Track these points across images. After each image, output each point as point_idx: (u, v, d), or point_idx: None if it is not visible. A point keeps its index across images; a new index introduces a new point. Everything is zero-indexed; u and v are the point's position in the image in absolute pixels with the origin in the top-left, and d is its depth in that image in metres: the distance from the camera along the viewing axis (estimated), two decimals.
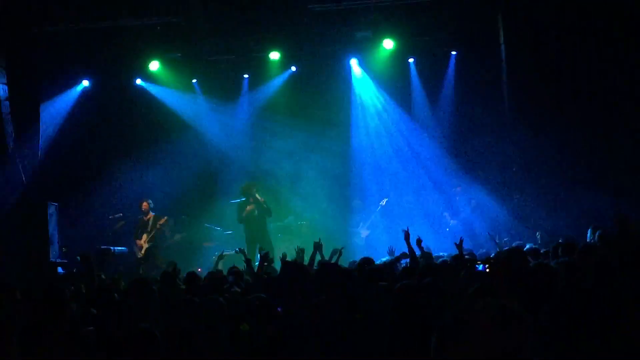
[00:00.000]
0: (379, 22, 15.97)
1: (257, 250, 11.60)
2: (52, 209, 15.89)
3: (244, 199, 15.41)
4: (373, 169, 17.05)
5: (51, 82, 16.27)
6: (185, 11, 15.50)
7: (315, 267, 7.21)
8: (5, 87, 15.35)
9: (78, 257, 7.23)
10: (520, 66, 15.40)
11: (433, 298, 4.84)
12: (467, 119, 16.25)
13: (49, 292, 4.16)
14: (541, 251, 9.36)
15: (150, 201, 15.97)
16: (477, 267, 7.04)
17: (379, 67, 16.82)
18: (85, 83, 16.84)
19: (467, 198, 15.51)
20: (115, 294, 6.40)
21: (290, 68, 17.04)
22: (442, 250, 12.85)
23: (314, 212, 16.73)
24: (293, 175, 16.75)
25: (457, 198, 15.54)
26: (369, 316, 5.03)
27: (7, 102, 15.35)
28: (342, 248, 9.48)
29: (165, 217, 15.87)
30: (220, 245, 15.46)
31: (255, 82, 17.43)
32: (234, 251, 12.28)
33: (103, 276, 9.56)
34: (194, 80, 17.31)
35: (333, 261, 8.81)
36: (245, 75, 17.38)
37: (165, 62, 16.79)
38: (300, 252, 9.29)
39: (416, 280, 5.61)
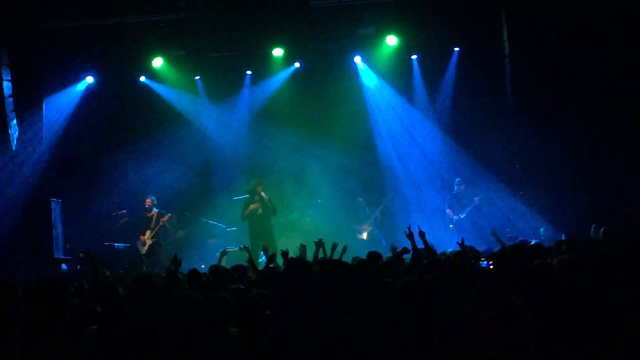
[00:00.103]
0: (381, 18, 15.96)
1: (261, 248, 11.60)
2: (55, 206, 15.92)
3: (247, 195, 15.40)
4: (377, 165, 17.03)
5: (55, 79, 16.29)
6: (188, 8, 15.50)
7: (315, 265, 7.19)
8: (9, 84, 15.38)
9: (81, 254, 7.23)
10: (523, 62, 15.38)
11: (436, 295, 4.84)
12: (470, 115, 16.22)
13: (51, 289, 4.16)
14: (544, 247, 9.33)
15: (153, 198, 15.96)
16: (481, 264, 7.03)
17: (383, 63, 16.79)
18: (89, 80, 16.82)
19: (471, 194, 15.48)
20: (120, 288, 6.41)
21: (293, 64, 17.01)
22: (445, 246, 12.84)
23: (317, 209, 16.72)
24: (296, 172, 16.74)
25: (461, 194, 15.51)
26: (371, 313, 5.03)
27: (10, 99, 15.38)
28: (345, 245, 9.47)
29: (169, 214, 15.87)
30: (223, 241, 15.47)
31: (258, 79, 17.40)
32: (237, 248, 12.28)
33: (108, 273, 9.58)
34: (197, 77, 17.29)
35: (336, 256, 8.82)
36: (248, 72, 17.35)
37: (168, 59, 16.78)
38: (303, 249, 9.29)
39: (419, 276, 5.61)
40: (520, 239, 11.83)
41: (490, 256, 7.14)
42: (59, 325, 3.99)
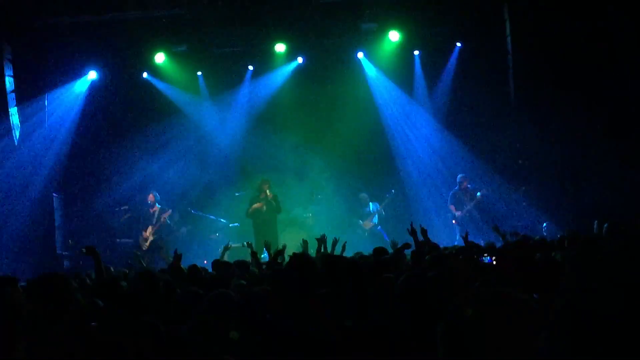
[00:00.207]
0: (384, 13, 15.92)
1: (263, 245, 11.61)
2: (57, 201, 15.94)
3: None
4: (379, 161, 17.02)
5: (57, 74, 16.28)
6: (190, 3, 15.48)
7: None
8: (12, 80, 15.38)
9: (83, 249, 7.21)
10: (526, 58, 15.34)
11: (439, 290, 4.82)
12: (472, 111, 16.21)
13: (54, 284, 4.15)
14: (548, 242, 9.32)
15: (156, 193, 15.99)
16: (484, 259, 7.01)
17: (385, 59, 16.77)
18: (92, 74, 16.80)
19: (473, 190, 15.46)
20: (124, 283, 6.40)
21: (295, 60, 16.99)
22: (448, 242, 12.84)
23: (319, 205, 16.72)
24: (299, 167, 16.73)
25: (463, 190, 15.48)
26: (373, 308, 5.01)
27: (13, 95, 15.38)
28: (345, 242, 9.46)
29: (169, 211, 15.88)
30: (226, 237, 15.47)
31: (260, 74, 17.38)
32: (240, 244, 12.28)
33: (112, 268, 9.58)
34: (199, 73, 17.27)
35: (336, 252, 8.81)
36: (250, 67, 17.33)
37: (170, 54, 16.76)
38: (305, 244, 9.29)
39: (422, 272, 5.59)
40: (521, 234, 11.81)
41: (493, 251, 7.13)
42: (62, 321, 3.99)
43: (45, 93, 16.10)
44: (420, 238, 8.17)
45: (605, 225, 9.36)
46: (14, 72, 15.44)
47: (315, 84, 16.82)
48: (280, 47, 16.56)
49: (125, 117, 17.12)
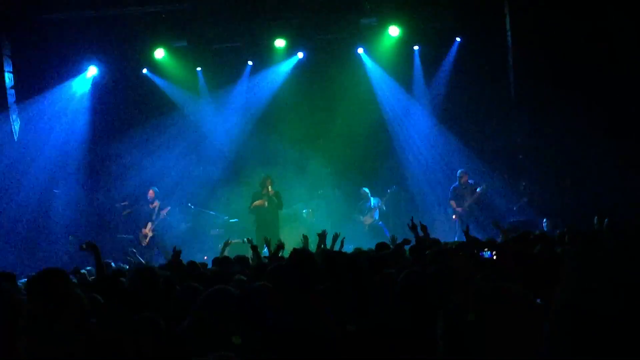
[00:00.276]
0: (384, 8, 15.89)
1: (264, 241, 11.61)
2: (58, 197, 15.93)
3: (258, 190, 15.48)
4: (380, 156, 17.02)
5: (57, 70, 16.25)
6: None
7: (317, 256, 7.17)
8: (11, 76, 15.37)
9: (84, 245, 7.21)
10: (526, 52, 15.32)
11: (440, 285, 4.81)
12: (472, 106, 16.19)
13: (54, 280, 4.14)
14: (548, 237, 9.31)
15: (156, 189, 15.98)
16: (484, 254, 7.00)
17: (385, 55, 16.74)
18: (93, 70, 16.78)
19: (474, 185, 15.45)
20: (124, 279, 6.39)
21: (295, 55, 16.97)
22: (449, 237, 12.83)
23: (320, 200, 16.73)
24: (299, 162, 16.72)
25: (463, 186, 15.47)
26: (373, 304, 5.01)
27: (12, 91, 15.37)
28: (343, 238, 9.46)
29: (168, 208, 15.88)
30: (226, 233, 15.48)
31: (260, 69, 17.36)
32: (241, 240, 12.27)
33: (113, 264, 9.58)
34: (199, 69, 17.26)
35: (336, 248, 8.80)
36: (250, 62, 17.31)
37: (170, 50, 16.74)
38: (305, 240, 9.28)
39: (423, 268, 5.58)
40: (522, 230, 11.80)
41: (493, 246, 7.12)
42: (62, 317, 3.98)
43: (44, 89, 16.08)
44: (420, 234, 8.16)
45: (606, 221, 9.37)
46: (13, 68, 15.43)
47: (315, 79, 16.81)
48: (280, 43, 16.53)
49: (125, 112, 17.10)
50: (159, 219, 15.68)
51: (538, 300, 2.18)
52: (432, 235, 8.64)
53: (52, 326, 3.90)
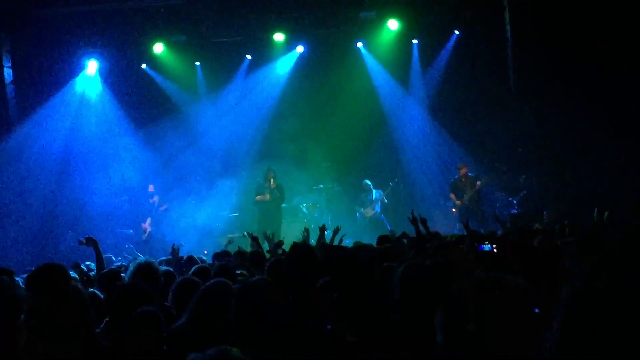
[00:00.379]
0: (383, 1, 15.85)
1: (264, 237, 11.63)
2: (58, 192, 15.91)
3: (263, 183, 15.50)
4: (379, 150, 17.01)
5: (56, 65, 16.23)
6: None
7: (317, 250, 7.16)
8: (10, 71, 15.35)
9: (83, 240, 7.22)
10: (526, 46, 15.29)
11: (440, 278, 4.81)
12: (472, 100, 16.19)
13: (54, 275, 4.14)
14: (549, 230, 9.31)
15: (156, 184, 16.00)
16: (484, 247, 7.00)
17: (384, 48, 16.72)
18: (93, 64, 16.76)
19: (473, 178, 15.45)
20: (123, 275, 6.40)
21: (294, 49, 16.96)
22: (448, 231, 12.83)
23: (320, 193, 16.73)
24: (299, 156, 16.73)
25: (463, 179, 15.46)
26: (374, 297, 5.00)
27: (12, 86, 15.35)
28: (343, 235, 9.46)
29: (166, 205, 15.89)
30: (226, 227, 15.49)
31: (259, 64, 17.36)
32: (241, 235, 12.29)
33: (113, 258, 9.59)
34: (198, 63, 17.25)
35: (336, 242, 8.80)
36: (248, 57, 17.29)
37: (169, 44, 16.73)
38: (306, 232, 9.28)
39: (423, 260, 5.58)
40: (522, 223, 11.80)
41: (493, 239, 7.11)
42: (62, 311, 3.97)
43: (44, 85, 16.06)
44: (421, 227, 8.16)
45: (607, 214, 9.36)
46: (12, 64, 15.40)
47: (314, 73, 16.81)
48: (279, 37, 16.52)
49: (125, 107, 17.09)
50: (159, 213, 15.68)
51: (537, 292, 2.17)
52: (432, 229, 8.65)
53: (52, 321, 3.90)
